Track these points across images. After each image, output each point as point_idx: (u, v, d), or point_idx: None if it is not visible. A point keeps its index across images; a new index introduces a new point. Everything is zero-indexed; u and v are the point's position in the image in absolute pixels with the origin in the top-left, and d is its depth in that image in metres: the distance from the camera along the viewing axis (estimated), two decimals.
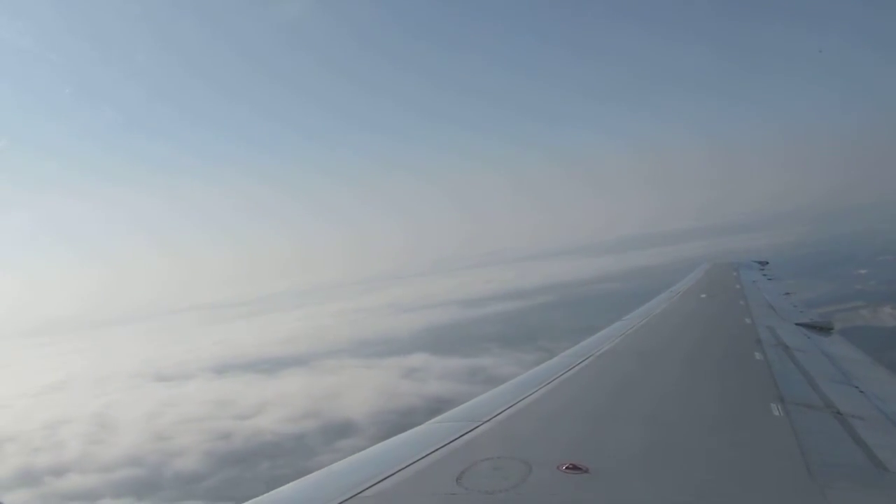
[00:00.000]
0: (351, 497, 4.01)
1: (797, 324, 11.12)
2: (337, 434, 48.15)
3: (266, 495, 4.39)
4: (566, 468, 4.26)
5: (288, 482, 4.54)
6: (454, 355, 71.06)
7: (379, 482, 4.23)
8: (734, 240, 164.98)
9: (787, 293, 15.22)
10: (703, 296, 14.86)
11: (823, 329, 10.94)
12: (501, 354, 67.36)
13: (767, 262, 21.82)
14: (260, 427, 54.12)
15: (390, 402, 54.45)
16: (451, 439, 5.04)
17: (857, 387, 7.19)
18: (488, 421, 5.52)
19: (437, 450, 4.81)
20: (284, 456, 45.60)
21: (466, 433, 5.20)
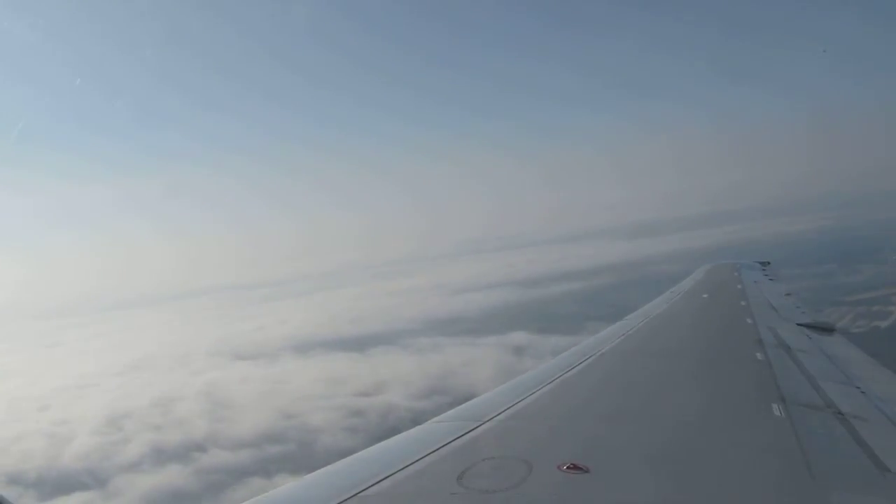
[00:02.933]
0: (352, 496, 4.02)
1: (799, 324, 11.08)
2: None
3: (267, 494, 4.41)
4: (567, 468, 4.26)
5: None
6: (553, 333, 69.80)
7: (380, 481, 4.24)
8: (765, 225, 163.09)
9: (789, 293, 15.14)
10: (705, 296, 14.79)
11: (825, 329, 10.90)
12: (601, 331, 66.11)
13: (769, 263, 21.81)
14: (391, 403, 53.04)
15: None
16: (451, 439, 5.05)
17: (858, 387, 7.23)
18: (489, 421, 5.53)
19: (437, 449, 4.82)
20: None
21: (467, 433, 5.21)
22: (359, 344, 79.43)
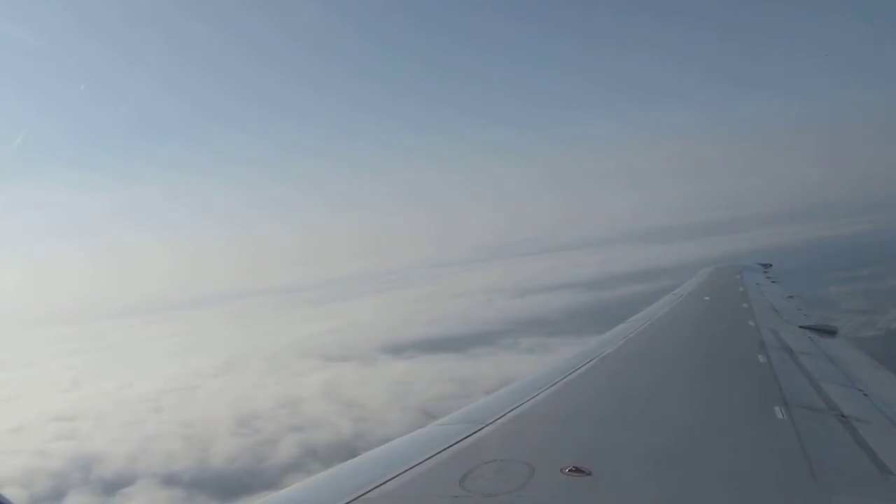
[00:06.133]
0: (355, 499, 4.03)
1: (801, 327, 11.03)
2: None
3: (271, 496, 4.45)
4: (569, 471, 4.25)
5: None
6: None
7: (382, 484, 4.25)
8: (797, 230, 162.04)
9: (791, 296, 15.01)
10: (707, 298, 14.81)
11: (827, 332, 10.84)
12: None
13: (771, 265, 21.60)
14: None
15: None
16: (454, 441, 5.06)
17: (861, 390, 7.24)
18: (492, 423, 5.54)
19: (440, 452, 4.83)
20: None
21: (470, 435, 5.22)
22: (453, 345, 78.18)
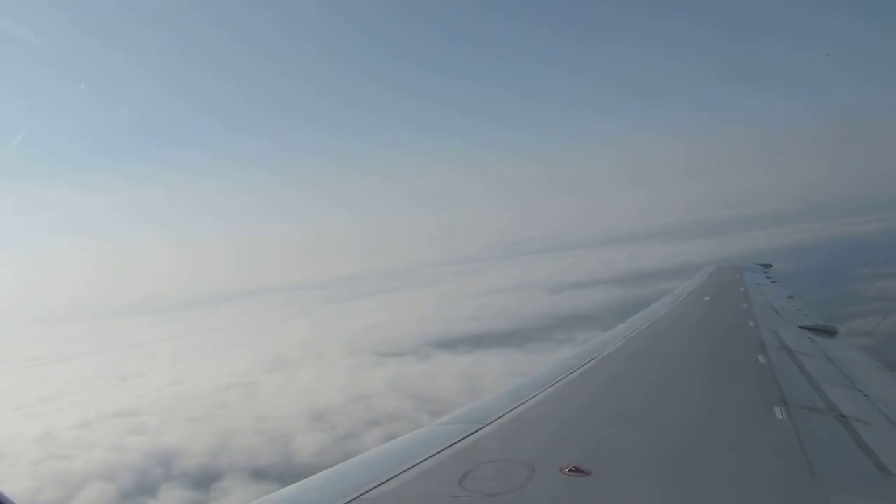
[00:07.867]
0: (354, 498, 4.06)
1: (801, 327, 11.01)
2: None
3: (270, 496, 4.46)
4: (569, 471, 4.26)
5: None
6: None
7: (382, 483, 4.26)
8: (814, 227, 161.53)
9: (791, 296, 14.98)
10: (707, 299, 14.84)
11: (827, 332, 10.81)
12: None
13: (771, 265, 21.70)
14: None
15: None
16: (454, 441, 5.07)
17: (861, 391, 7.23)
18: (491, 423, 5.55)
19: (440, 451, 4.84)
20: None
21: (470, 435, 5.24)
22: (505, 340, 77.55)
